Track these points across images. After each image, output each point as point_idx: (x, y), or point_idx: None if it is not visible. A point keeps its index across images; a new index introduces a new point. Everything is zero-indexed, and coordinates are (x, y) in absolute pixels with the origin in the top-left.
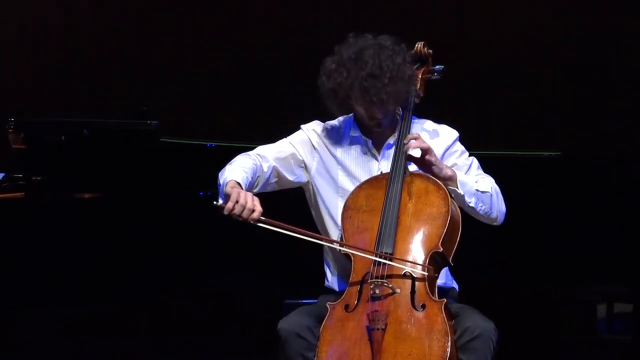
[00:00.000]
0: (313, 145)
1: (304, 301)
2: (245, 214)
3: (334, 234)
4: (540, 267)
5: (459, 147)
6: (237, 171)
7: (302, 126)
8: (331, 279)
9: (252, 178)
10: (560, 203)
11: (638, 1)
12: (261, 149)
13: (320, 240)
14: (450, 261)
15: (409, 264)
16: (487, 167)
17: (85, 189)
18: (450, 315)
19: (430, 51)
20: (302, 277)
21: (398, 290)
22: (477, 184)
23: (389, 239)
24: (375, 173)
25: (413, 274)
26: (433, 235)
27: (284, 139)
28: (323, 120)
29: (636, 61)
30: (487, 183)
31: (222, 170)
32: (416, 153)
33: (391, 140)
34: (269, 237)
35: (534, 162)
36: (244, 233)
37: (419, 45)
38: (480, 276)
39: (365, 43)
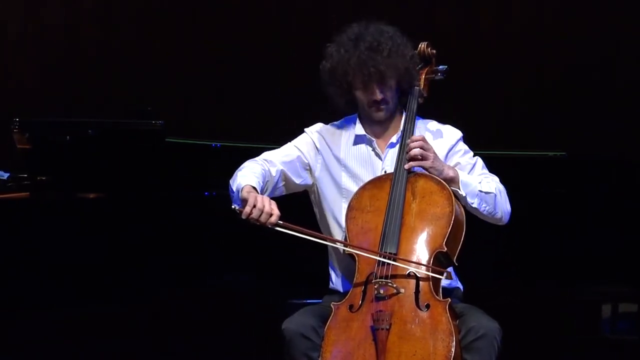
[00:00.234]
0: (316, 148)
1: (308, 301)
2: (263, 218)
3: (338, 235)
4: (545, 267)
5: (463, 146)
6: (249, 176)
7: (306, 129)
8: (335, 281)
9: (263, 183)
10: (564, 203)
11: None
12: (267, 155)
13: (337, 243)
14: (455, 261)
15: (413, 264)
16: (491, 167)
17: (90, 189)
18: (455, 315)
19: (434, 51)
20: (307, 277)
21: (402, 290)
22: (480, 185)
23: (393, 239)
24: (380, 172)
25: (417, 274)
26: (437, 235)
27: (289, 143)
28: (327, 122)
29: (637, 61)
30: (491, 183)
31: (233, 176)
32: (417, 157)
33: (394, 139)
34: (274, 237)
35: (539, 162)
36: (248, 233)
37: (422, 45)
38: (485, 276)
39: (366, 28)
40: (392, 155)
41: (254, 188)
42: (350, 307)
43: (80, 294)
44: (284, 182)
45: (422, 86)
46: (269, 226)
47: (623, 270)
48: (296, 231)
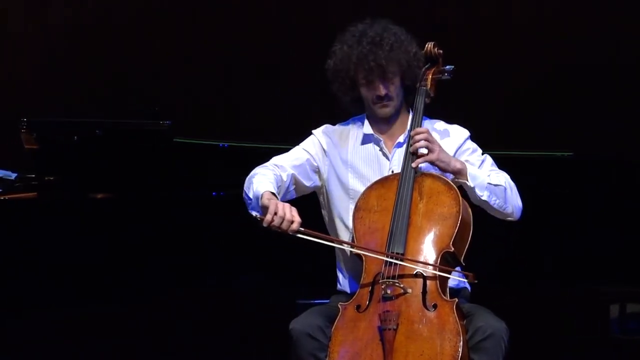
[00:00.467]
0: (324, 149)
1: (315, 301)
2: (284, 226)
3: (345, 236)
4: (553, 266)
5: (471, 145)
6: (265, 183)
7: (313, 131)
8: (343, 282)
9: (277, 189)
10: (571, 203)
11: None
12: (277, 159)
13: (356, 248)
14: (462, 261)
15: (420, 263)
16: (499, 167)
17: (97, 189)
18: (462, 315)
19: (441, 51)
20: (314, 278)
21: (409, 290)
22: (489, 178)
23: (400, 239)
24: (387, 172)
25: (424, 274)
26: (444, 235)
27: (297, 147)
28: (334, 123)
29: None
30: (501, 177)
31: (247, 183)
32: (422, 150)
33: (401, 138)
34: (281, 238)
35: (545, 162)
36: (255, 234)
37: (429, 45)
38: (492, 276)
39: (370, 25)
40: (399, 155)
41: (274, 194)
42: (358, 307)
43: (88, 293)
44: (294, 186)
45: (429, 86)
46: (290, 233)
47: (631, 270)
48: (317, 237)
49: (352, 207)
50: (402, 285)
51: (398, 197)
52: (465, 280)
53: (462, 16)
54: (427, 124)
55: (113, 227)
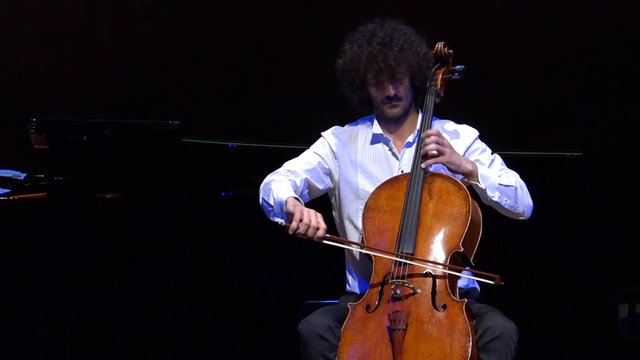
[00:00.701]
0: (333, 151)
1: (324, 302)
2: (310, 233)
3: (355, 237)
4: (562, 267)
5: (480, 144)
6: (285, 189)
7: (323, 133)
8: (352, 283)
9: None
10: (582, 202)
11: None
12: (289, 165)
13: (378, 252)
14: (472, 261)
15: (430, 263)
16: (508, 167)
17: (107, 189)
18: (472, 316)
19: (451, 51)
20: (323, 278)
21: (419, 291)
22: (500, 178)
23: (409, 239)
24: (396, 172)
25: (434, 274)
26: (454, 235)
27: (307, 151)
28: (343, 124)
29: None
30: (511, 177)
31: (265, 190)
32: (433, 152)
33: (411, 138)
34: (290, 238)
35: (555, 162)
36: (264, 234)
37: (439, 45)
38: (502, 276)
39: (381, 26)
40: (408, 154)
41: (297, 199)
42: (367, 307)
43: (98, 293)
44: (308, 190)
45: (439, 86)
46: (316, 240)
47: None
48: (342, 243)
49: (361, 207)
50: (411, 286)
51: (408, 197)
52: (492, 282)
53: (473, 15)
54: (437, 124)
55: (122, 227)
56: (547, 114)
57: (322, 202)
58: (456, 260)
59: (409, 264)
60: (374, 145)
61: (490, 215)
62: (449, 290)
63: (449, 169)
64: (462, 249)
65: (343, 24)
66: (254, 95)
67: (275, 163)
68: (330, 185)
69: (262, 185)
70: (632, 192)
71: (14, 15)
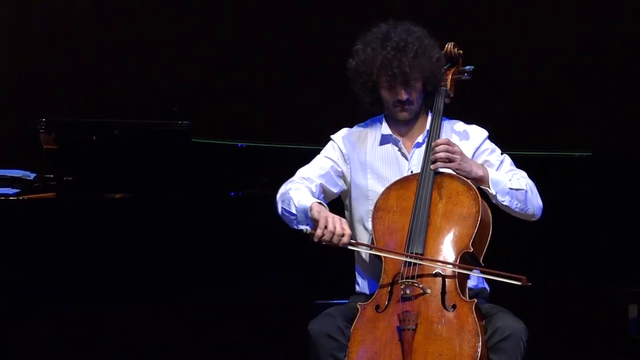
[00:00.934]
0: (343, 153)
1: (334, 302)
2: (335, 240)
3: (364, 238)
4: (571, 267)
5: (489, 145)
6: (306, 195)
7: (332, 136)
8: (362, 284)
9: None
10: (592, 202)
11: None
12: (303, 172)
13: (407, 257)
14: (481, 261)
15: (440, 263)
16: (517, 167)
17: (116, 190)
18: (481, 316)
19: (461, 52)
20: (333, 278)
21: (429, 291)
22: (510, 182)
23: (419, 239)
24: (406, 172)
25: (443, 274)
26: (463, 235)
27: (318, 156)
28: (351, 126)
29: None
30: (521, 180)
31: (283, 199)
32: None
33: (420, 139)
34: (300, 239)
35: (565, 162)
36: (273, 234)
37: (449, 45)
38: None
39: (394, 27)
40: (418, 155)
41: (321, 204)
42: (377, 307)
43: (106, 293)
44: (323, 195)
45: (448, 86)
46: (341, 246)
47: None
48: (367, 248)
49: (371, 208)
50: (421, 286)
51: (417, 197)
52: (519, 283)
53: (481, 15)
54: (446, 124)
55: (131, 227)
56: (547, 114)
57: (336, 202)
58: (466, 260)
59: (419, 264)
60: (383, 145)
61: (500, 215)
62: (459, 291)
63: (459, 175)
64: (472, 249)
65: (343, 24)
66: (254, 96)
67: (281, 164)
68: (344, 187)
69: (279, 196)
70: (634, 192)
71: (17, 16)
